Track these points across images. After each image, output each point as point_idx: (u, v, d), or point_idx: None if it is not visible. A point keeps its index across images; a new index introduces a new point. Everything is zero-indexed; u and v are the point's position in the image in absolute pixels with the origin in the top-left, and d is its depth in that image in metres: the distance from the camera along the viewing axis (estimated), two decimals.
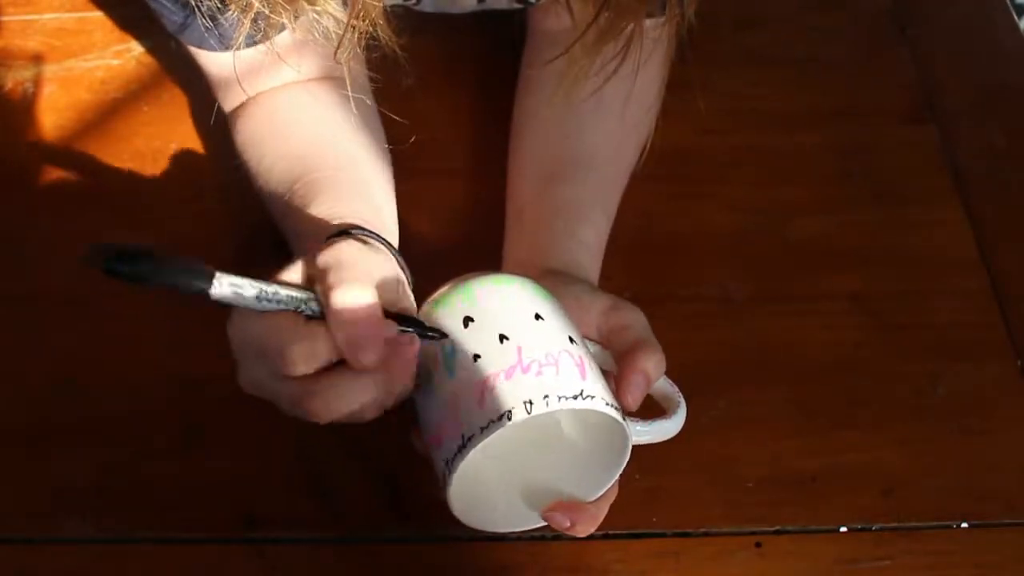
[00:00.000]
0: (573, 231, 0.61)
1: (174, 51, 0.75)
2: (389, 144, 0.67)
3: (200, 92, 0.70)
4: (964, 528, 0.59)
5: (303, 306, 0.47)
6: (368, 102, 0.66)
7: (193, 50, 0.63)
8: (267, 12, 0.51)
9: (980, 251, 0.70)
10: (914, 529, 0.59)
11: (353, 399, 0.46)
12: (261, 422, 0.60)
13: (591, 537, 0.56)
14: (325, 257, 0.48)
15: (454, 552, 0.56)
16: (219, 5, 0.53)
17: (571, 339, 0.50)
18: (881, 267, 0.69)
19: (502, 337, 0.49)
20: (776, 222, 0.71)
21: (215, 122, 0.68)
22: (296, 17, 0.53)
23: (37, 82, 0.76)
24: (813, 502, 0.59)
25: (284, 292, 0.46)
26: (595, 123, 0.66)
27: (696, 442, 0.61)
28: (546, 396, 0.47)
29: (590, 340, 0.54)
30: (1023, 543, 0.59)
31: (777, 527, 0.59)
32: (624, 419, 0.50)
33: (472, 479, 0.50)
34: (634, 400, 0.51)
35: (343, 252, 0.48)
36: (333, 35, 0.53)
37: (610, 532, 0.58)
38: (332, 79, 0.65)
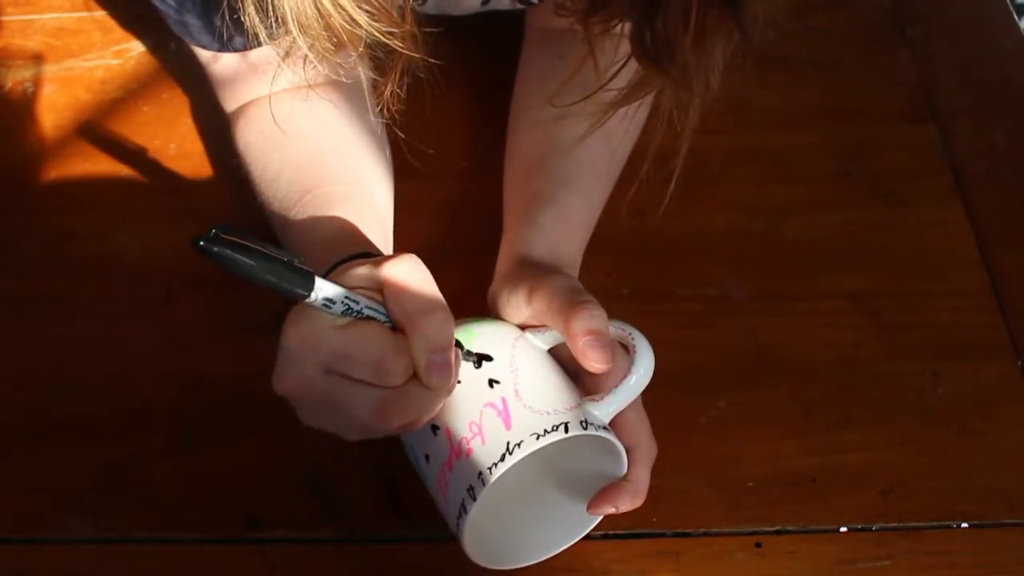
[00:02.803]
0: (531, 218, 0.61)
1: (174, 51, 0.75)
2: (389, 144, 0.67)
3: (200, 92, 0.70)
4: (964, 528, 0.59)
5: (382, 318, 0.48)
6: (370, 108, 0.66)
7: (196, 49, 0.63)
8: (312, 58, 0.51)
9: (980, 251, 0.70)
10: (914, 529, 0.59)
11: (426, 404, 0.48)
12: (261, 422, 0.60)
13: (591, 537, 0.56)
14: (392, 273, 0.48)
15: (454, 552, 0.56)
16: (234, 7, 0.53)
17: (491, 383, 0.51)
18: (881, 267, 0.69)
19: (433, 428, 0.51)
20: (776, 222, 0.71)
21: (215, 122, 0.68)
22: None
23: (37, 82, 0.76)
24: (813, 502, 0.59)
25: (367, 304, 0.47)
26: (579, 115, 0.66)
27: (696, 442, 0.61)
28: (480, 474, 0.48)
29: (533, 328, 0.54)
30: (1023, 543, 0.59)
31: (777, 527, 0.59)
32: (559, 428, 0.49)
33: (485, 527, 0.51)
34: (597, 361, 0.50)
35: (413, 273, 0.49)
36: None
37: (610, 532, 0.58)
38: (335, 84, 0.65)
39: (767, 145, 0.75)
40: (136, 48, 0.77)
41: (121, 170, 0.71)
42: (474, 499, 0.48)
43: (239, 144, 0.65)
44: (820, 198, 0.72)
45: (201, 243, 0.41)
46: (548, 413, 0.49)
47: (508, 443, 0.48)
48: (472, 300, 0.57)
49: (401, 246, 0.67)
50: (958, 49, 0.81)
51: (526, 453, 0.47)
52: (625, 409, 0.51)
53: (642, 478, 0.53)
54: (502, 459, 0.48)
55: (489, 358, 0.51)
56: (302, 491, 0.58)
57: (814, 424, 0.62)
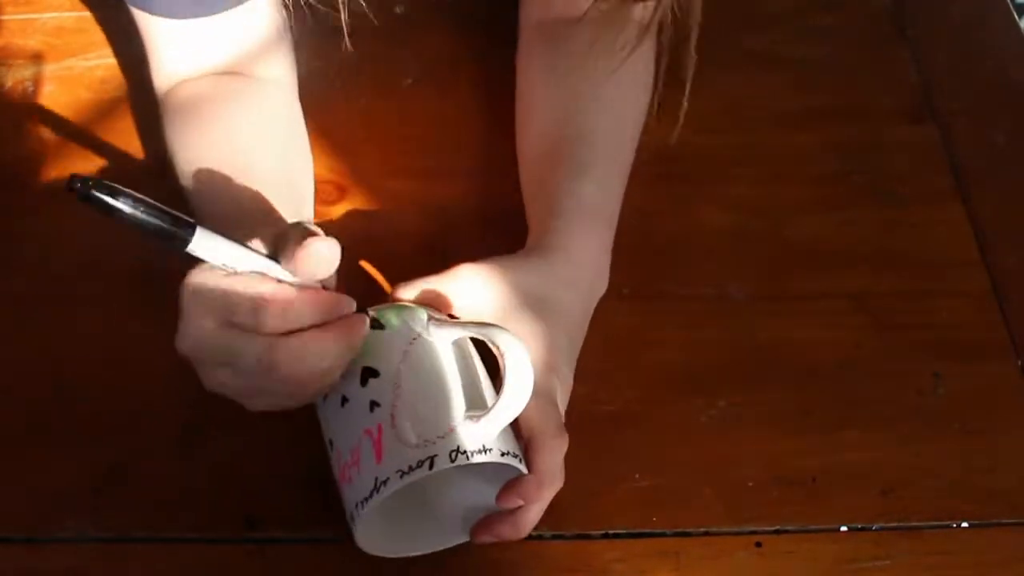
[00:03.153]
0: (544, 215, 0.62)
1: None
2: (388, 144, 0.67)
3: None
4: (964, 528, 0.59)
5: (273, 272, 0.48)
6: (297, 106, 0.68)
7: (142, 15, 0.63)
8: None
9: (980, 251, 0.70)
10: (914, 529, 0.59)
11: (317, 357, 0.48)
12: (261, 422, 0.60)
13: (591, 537, 0.56)
14: (289, 230, 0.49)
15: (454, 552, 0.56)
16: None
17: (372, 406, 0.50)
18: (881, 267, 0.69)
19: (330, 442, 0.52)
20: (776, 222, 0.71)
21: None
22: None
23: (37, 81, 0.75)
24: (813, 502, 0.59)
25: (256, 256, 0.48)
26: (592, 106, 0.67)
27: (696, 442, 0.61)
28: (357, 504, 0.49)
29: (449, 317, 0.54)
30: (1023, 543, 0.59)
31: (777, 527, 0.59)
32: (423, 464, 0.48)
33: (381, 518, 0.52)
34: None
35: (310, 226, 0.49)
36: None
37: (610, 532, 0.58)
38: (270, 80, 0.67)
39: (767, 145, 0.75)
40: (136, 47, 0.77)
41: (121, 170, 0.71)
42: (354, 522, 0.50)
43: (175, 121, 0.65)
44: (820, 198, 0.72)
45: (79, 185, 0.42)
46: (417, 446, 0.48)
47: (376, 479, 0.48)
48: None
49: (403, 246, 0.67)
50: (958, 49, 0.81)
51: (391, 491, 0.48)
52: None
53: (548, 467, 0.52)
54: (370, 495, 0.48)
55: (376, 373, 0.51)
56: (302, 491, 0.58)
57: (814, 424, 0.62)
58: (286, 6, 0.62)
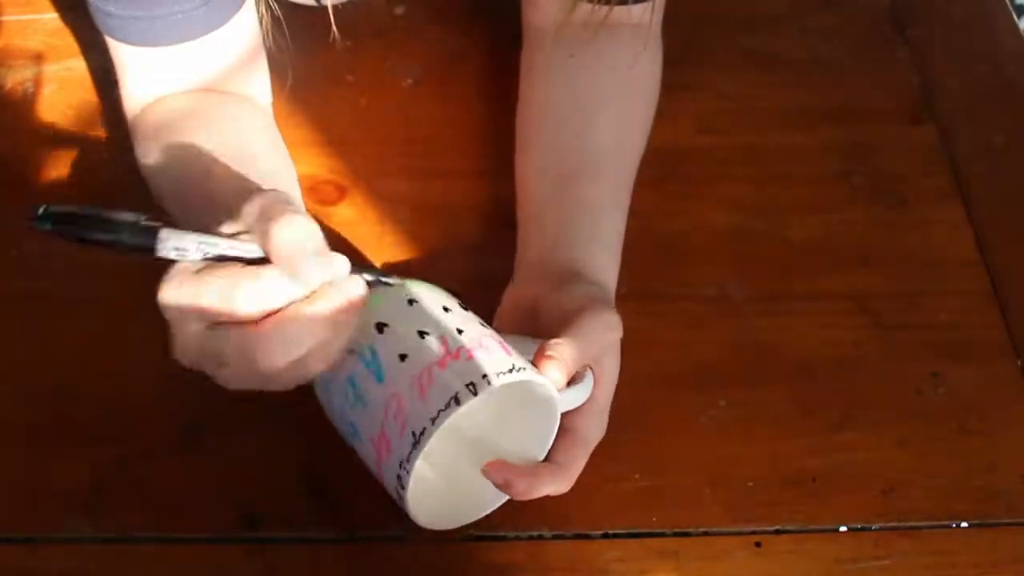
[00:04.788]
0: (593, 232, 0.62)
1: None
2: (388, 144, 0.67)
3: None
4: (964, 528, 0.59)
5: (248, 255, 0.44)
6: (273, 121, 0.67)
7: (120, 45, 0.62)
8: None
9: (980, 251, 0.70)
10: (914, 529, 0.59)
11: (302, 340, 0.43)
12: (261, 422, 0.60)
13: (591, 537, 0.56)
14: (259, 201, 0.45)
15: (454, 552, 0.56)
16: None
17: (482, 323, 0.52)
18: (881, 267, 0.69)
19: (421, 333, 0.50)
20: (775, 222, 0.71)
21: None
22: None
23: (37, 82, 0.76)
24: (813, 502, 0.59)
25: (227, 243, 0.44)
26: (603, 117, 0.66)
27: (696, 442, 0.61)
28: (485, 375, 0.48)
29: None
30: (1023, 543, 0.59)
31: (777, 527, 0.59)
32: (553, 389, 0.50)
33: (423, 483, 0.51)
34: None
35: (278, 195, 0.45)
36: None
37: (610, 532, 0.58)
38: (246, 97, 0.66)
39: (767, 145, 0.75)
40: None
41: (122, 170, 0.71)
42: (458, 403, 0.47)
43: (147, 134, 0.64)
44: (820, 198, 0.72)
45: (36, 221, 0.41)
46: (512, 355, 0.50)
47: (514, 364, 0.49)
48: (476, 297, 0.57)
49: (402, 246, 0.67)
50: (958, 49, 0.81)
51: (534, 378, 0.49)
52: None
53: (572, 462, 0.53)
54: (511, 371, 0.49)
55: (398, 282, 0.51)
56: (302, 491, 0.58)
57: (814, 424, 0.62)
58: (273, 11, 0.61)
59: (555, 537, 0.57)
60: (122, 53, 0.62)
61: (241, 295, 0.42)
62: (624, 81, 0.66)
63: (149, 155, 0.62)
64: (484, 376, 0.48)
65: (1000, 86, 0.79)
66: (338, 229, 0.68)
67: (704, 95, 0.74)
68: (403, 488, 0.49)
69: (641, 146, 0.67)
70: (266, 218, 0.44)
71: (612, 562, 0.57)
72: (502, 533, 0.57)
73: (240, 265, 0.44)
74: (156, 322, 0.64)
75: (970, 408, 0.63)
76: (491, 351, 0.50)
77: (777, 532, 0.58)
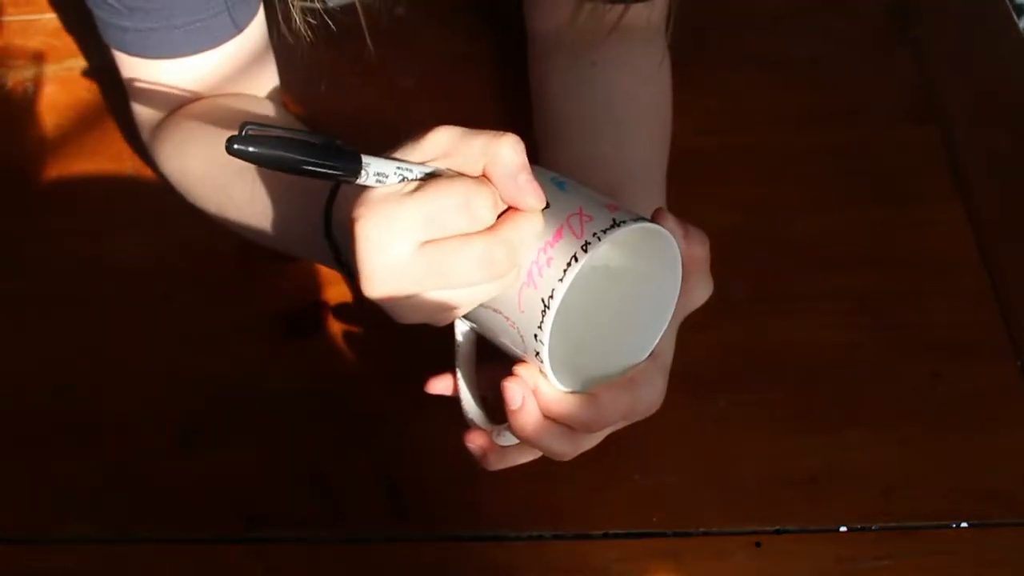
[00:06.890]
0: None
1: None
2: (388, 144, 0.67)
3: None
4: (964, 528, 0.59)
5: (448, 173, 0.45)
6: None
7: (135, 60, 0.61)
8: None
9: (980, 251, 0.70)
10: (914, 529, 0.59)
11: (529, 233, 0.45)
12: (261, 422, 0.60)
13: (591, 537, 0.56)
14: (442, 133, 0.47)
15: (454, 552, 0.56)
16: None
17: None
18: (881, 267, 0.69)
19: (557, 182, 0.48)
20: (776, 222, 0.71)
21: None
22: None
23: (38, 82, 0.76)
24: (813, 502, 0.59)
25: (419, 168, 0.44)
26: (640, 128, 0.66)
27: (696, 442, 0.61)
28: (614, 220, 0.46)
29: None
30: (1023, 543, 0.59)
31: (777, 527, 0.59)
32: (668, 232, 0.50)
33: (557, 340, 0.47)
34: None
35: (458, 127, 0.47)
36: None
37: (610, 532, 0.58)
38: (266, 101, 0.66)
39: (767, 145, 0.75)
40: None
41: (121, 170, 0.71)
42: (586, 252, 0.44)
43: (176, 140, 0.63)
44: (820, 198, 0.72)
45: (235, 146, 0.39)
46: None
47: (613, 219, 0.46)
48: None
49: None
50: (958, 49, 0.81)
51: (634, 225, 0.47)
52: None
53: (607, 402, 0.49)
54: (635, 220, 0.48)
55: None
56: (302, 491, 0.58)
57: (814, 424, 0.62)
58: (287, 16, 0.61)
59: (555, 537, 0.57)
60: (138, 68, 0.62)
61: (480, 203, 0.43)
62: (649, 87, 0.66)
63: (191, 157, 0.62)
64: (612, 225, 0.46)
65: (1000, 86, 0.79)
66: None
67: (704, 95, 0.74)
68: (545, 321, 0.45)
69: (668, 149, 0.67)
70: (480, 142, 0.46)
71: (612, 562, 0.57)
72: (502, 533, 0.57)
73: (452, 172, 0.45)
74: (157, 323, 0.65)
75: (970, 408, 0.63)
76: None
77: (777, 532, 0.58)
